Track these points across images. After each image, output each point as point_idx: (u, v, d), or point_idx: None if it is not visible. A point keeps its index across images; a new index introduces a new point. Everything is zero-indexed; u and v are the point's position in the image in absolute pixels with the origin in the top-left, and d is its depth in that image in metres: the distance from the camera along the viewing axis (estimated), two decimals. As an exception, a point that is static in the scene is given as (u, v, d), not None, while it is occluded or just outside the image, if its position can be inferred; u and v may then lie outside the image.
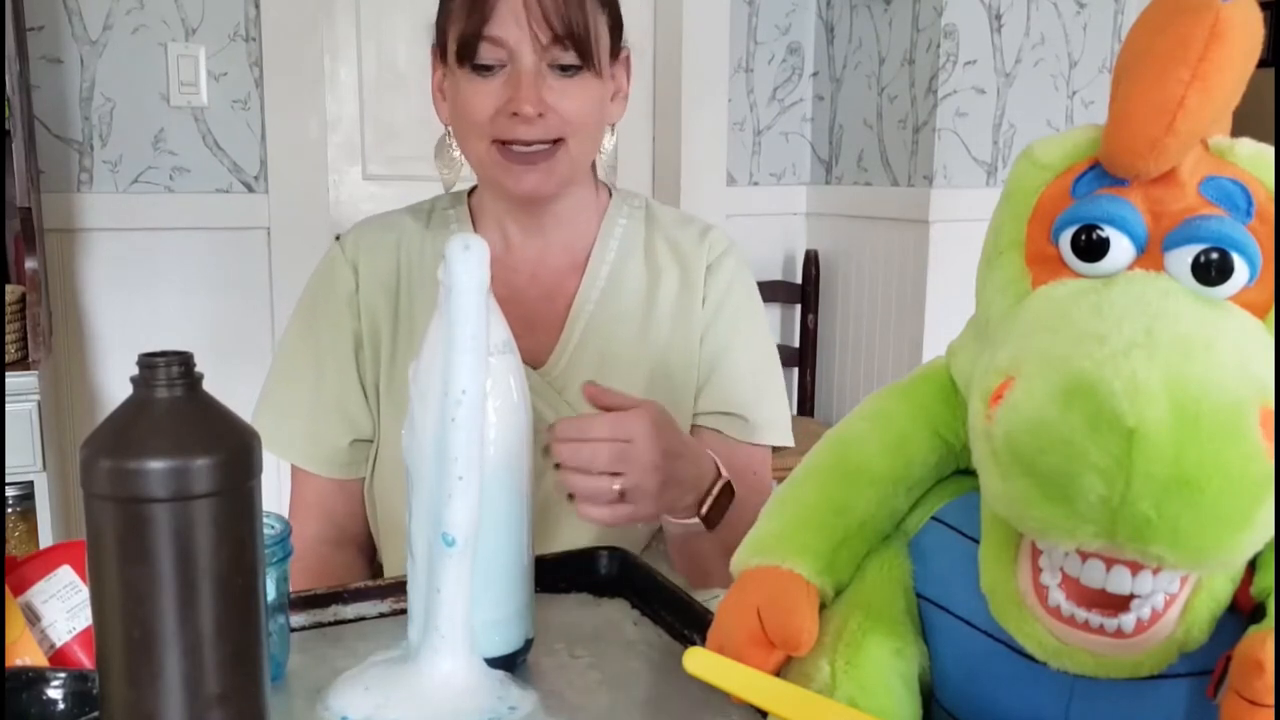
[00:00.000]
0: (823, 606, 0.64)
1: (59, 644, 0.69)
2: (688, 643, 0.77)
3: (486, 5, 0.98)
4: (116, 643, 0.49)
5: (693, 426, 1.11)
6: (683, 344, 1.11)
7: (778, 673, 0.61)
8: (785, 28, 2.76)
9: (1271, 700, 0.49)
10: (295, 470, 1.11)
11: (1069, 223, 0.56)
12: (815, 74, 2.81)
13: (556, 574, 0.86)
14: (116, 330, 2.29)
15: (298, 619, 0.79)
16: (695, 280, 1.12)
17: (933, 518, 0.66)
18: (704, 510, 0.94)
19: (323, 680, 0.70)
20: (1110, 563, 0.52)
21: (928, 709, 0.64)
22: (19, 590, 0.69)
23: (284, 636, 0.72)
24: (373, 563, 1.16)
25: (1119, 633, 0.53)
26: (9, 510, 1.84)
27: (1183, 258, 0.53)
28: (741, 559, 0.66)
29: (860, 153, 2.66)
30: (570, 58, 0.99)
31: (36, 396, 1.83)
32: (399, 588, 0.81)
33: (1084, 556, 0.52)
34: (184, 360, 0.50)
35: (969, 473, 0.64)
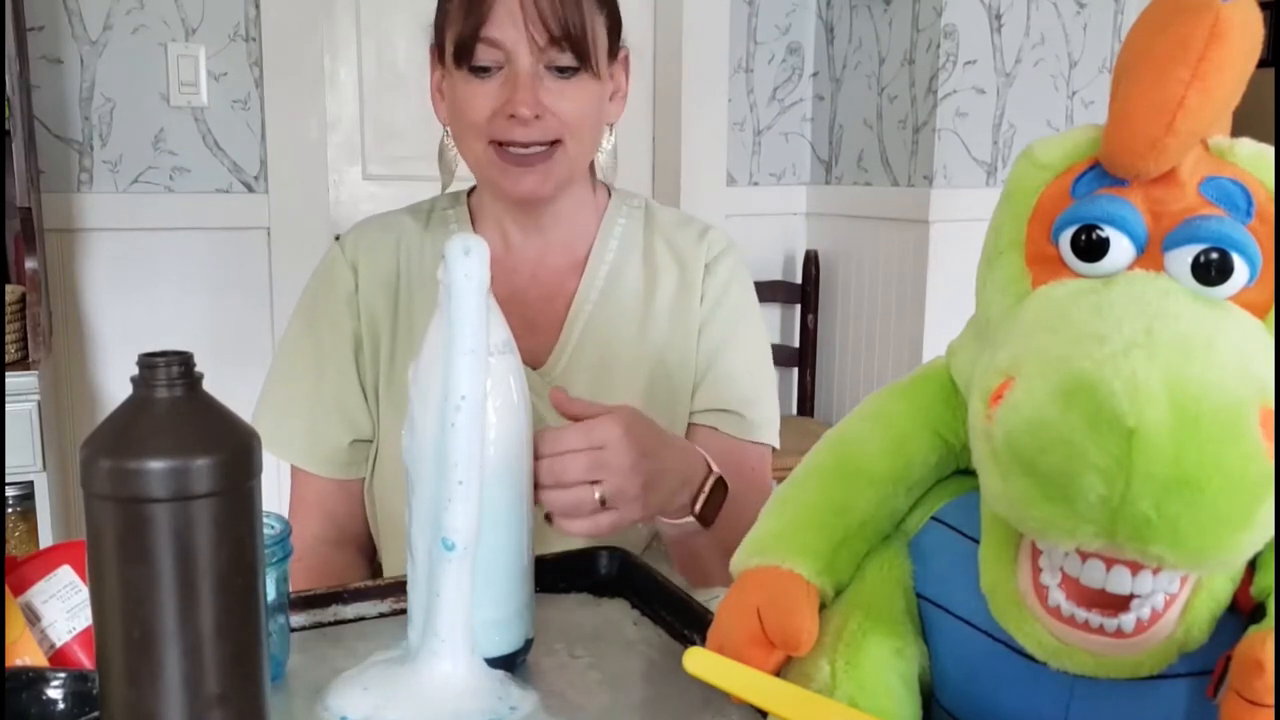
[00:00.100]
0: (823, 606, 0.64)
1: (59, 644, 0.69)
2: (688, 643, 0.77)
3: (483, 7, 0.98)
4: (116, 643, 0.49)
5: (690, 425, 1.11)
6: (681, 343, 1.11)
7: (778, 673, 0.61)
8: (785, 28, 2.76)
9: (1271, 700, 0.49)
10: (295, 470, 1.11)
11: (1069, 223, 0.56)
12: (815, 74, 2.81)
13: (556, 574, 0.86)
14: (116, 330, 2.29)
15: (298, 619, 0.79)
16: (693, 280, 1.12)
17: (933, 518, 0.66)
18: (698, 508, 0.93)
19: (323, 680, 0.70)
20: (1110, 563, 0.52)
21: (928, 709, 0.64)
22: (19, 590, 0.69)
23: (284, 636, 0.72)
24: (372, 562, 1.16)
25: (1119, 633, 0.53)
26: (9, 510, 1.84)
27: (1183, 258, 0.53)
28: (741, 559, 0.66)
29: (860, 153, 2.67)
30: (567, 59, 0.99)
31: (36, 396, 1.83)
32: (399, 588, 0.81)
33: (1084, 556, 0.52)
34: (184, 360, 0.50)
35: (969, 473, 0.64)
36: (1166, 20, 0.53)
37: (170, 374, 0.49)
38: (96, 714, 0.52)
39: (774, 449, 1.14)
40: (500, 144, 1.01)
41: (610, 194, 1.16)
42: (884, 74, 2.57)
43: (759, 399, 1.12)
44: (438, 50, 1.06)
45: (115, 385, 2.28)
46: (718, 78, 2.69)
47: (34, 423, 1.83)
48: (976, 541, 0.60)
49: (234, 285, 2.35)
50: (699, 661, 0.60)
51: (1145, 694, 0.56)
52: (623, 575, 0.88)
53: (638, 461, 0.84)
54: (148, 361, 0.49)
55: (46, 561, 0.71)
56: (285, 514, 0.94)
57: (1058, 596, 0.54)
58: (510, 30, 0.98)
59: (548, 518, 0.83)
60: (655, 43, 2.71)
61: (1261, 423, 0.47)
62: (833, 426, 0.70)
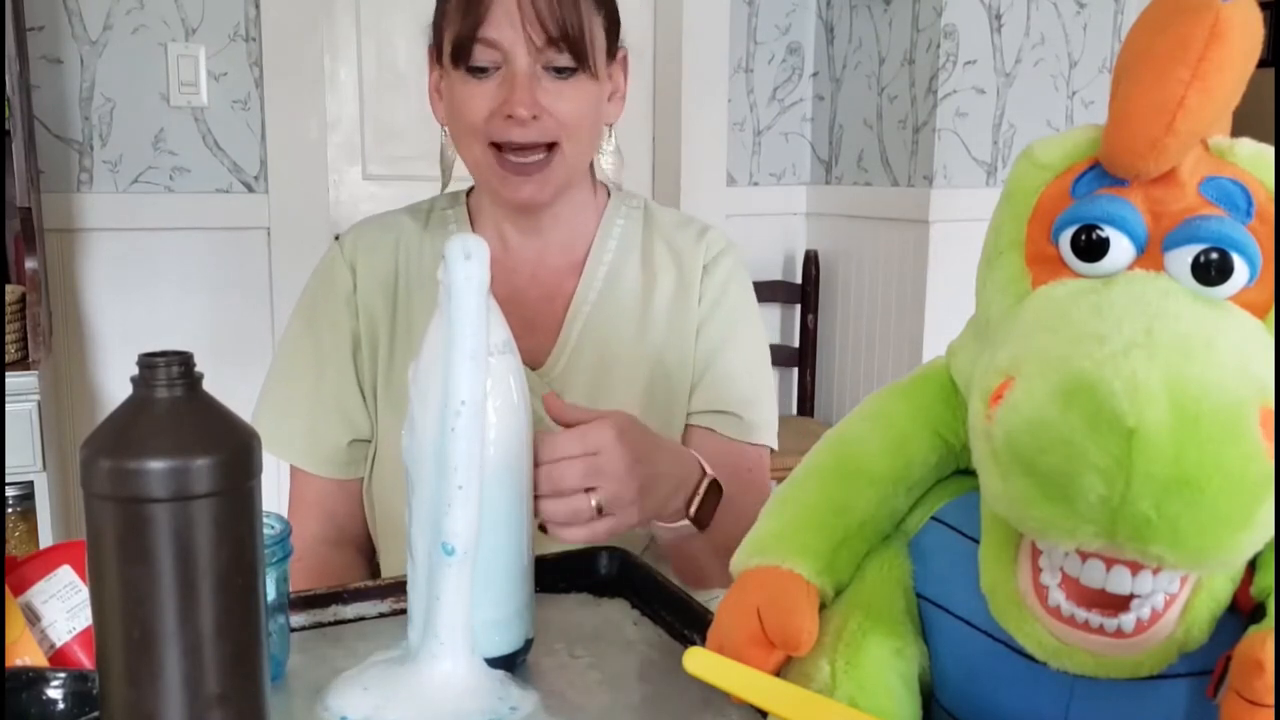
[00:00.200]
0: (823, 606, 0.64)
1: (59, 644, 0.69)
2: (688, 643, 0.77)
3: (481, 7, 0.98)
4: (116, 643, 0.49)
5: (687, 426, 1.11)
6: (679, 344, 1.11)
7: (778, 673, 0.61)
8: (785, 28, 2.76)
9: (1271, 700, 0.49)
10: (294, 470, 1.11)
11: (1069, 223, 0.56)
12: (815, 74, 2.81)
13: (556, 574, 0.86)
14: (116, 330, 2.29)
15: (298, 619, 0.79)
16: (692, 280, 1.12)
17: (933, 518, 0.66)
18: (692, 511, 0.93)
19: (323, 680, 0.70)
20: (1110, 563, 0.52)
21: (928, 709, 0.64)
22: (19, 590, 0.69)
23: (284, 636, 0.72)
24: (371, 562, 1.16)
25: (1119, 633, 0.53)
26: (9, 510, 1.84)
27: (1183, 258, 0.53)
28: (741, 559, 0.66)
29: (860, 153, 2.66)
30: (565, 60, 0.99)
31: (36, 396, 1.83)
32: (399, 588, 0.81)
33: (1084, 556, 0.52)
34: (184, 360, 0.50)
35: (969, 473, 0.64)
36: (1166, 20, 0.53)
37: (170, 374, 0.49)
38: (96, 714, 0.52)
39: (772, 450, 1.14)
40: (498, 147, 1.01)
41: (609, 194, 1.16)
42: (884, 74, 2.57)
43: (757, 400, 1.12)
44: (436, 51, 1.06)
45: (115, 385, 2.28)
46: (718, 78, 2.69)
47: (34, 423, 1.83)
48: (976, 541, 0.60)
49: (234, 285, 2.35)
50: (699, 661, 0.60)
51: (1145, 694, 0.56)
52: (623, 575, 0.88)
53: (632, 466, 0.84)
54: (148, 361, 0.49)
55: (46, 561, 0.71)
56: (285, 514, 0.94)
57: (1058, 596, 0.54)
58: (508, 30, 0.98)
59: (542, 527, 0.83)
60: (655, 43, 2.71)
61: (1261, 423, 0.47)
62: (833, 426, 0.70)
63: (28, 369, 1.85)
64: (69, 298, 2.25)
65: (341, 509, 1.11)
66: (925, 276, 2.46)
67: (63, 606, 0.70)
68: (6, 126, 1.86)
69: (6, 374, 1.79)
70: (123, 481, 0.48)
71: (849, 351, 2.74)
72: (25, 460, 1.83)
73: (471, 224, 1.13)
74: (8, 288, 1.88)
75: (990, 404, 0.51)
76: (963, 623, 0.62)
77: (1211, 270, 0.52)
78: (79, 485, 0.49)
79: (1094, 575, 0.52)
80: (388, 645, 0.74)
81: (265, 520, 0.65)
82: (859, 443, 0.67)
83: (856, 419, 0.69)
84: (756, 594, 0.63)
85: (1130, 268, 0.54)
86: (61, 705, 0.61)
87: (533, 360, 1.07)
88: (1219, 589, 0.54)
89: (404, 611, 0.75)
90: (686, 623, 0.79)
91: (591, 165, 1.12)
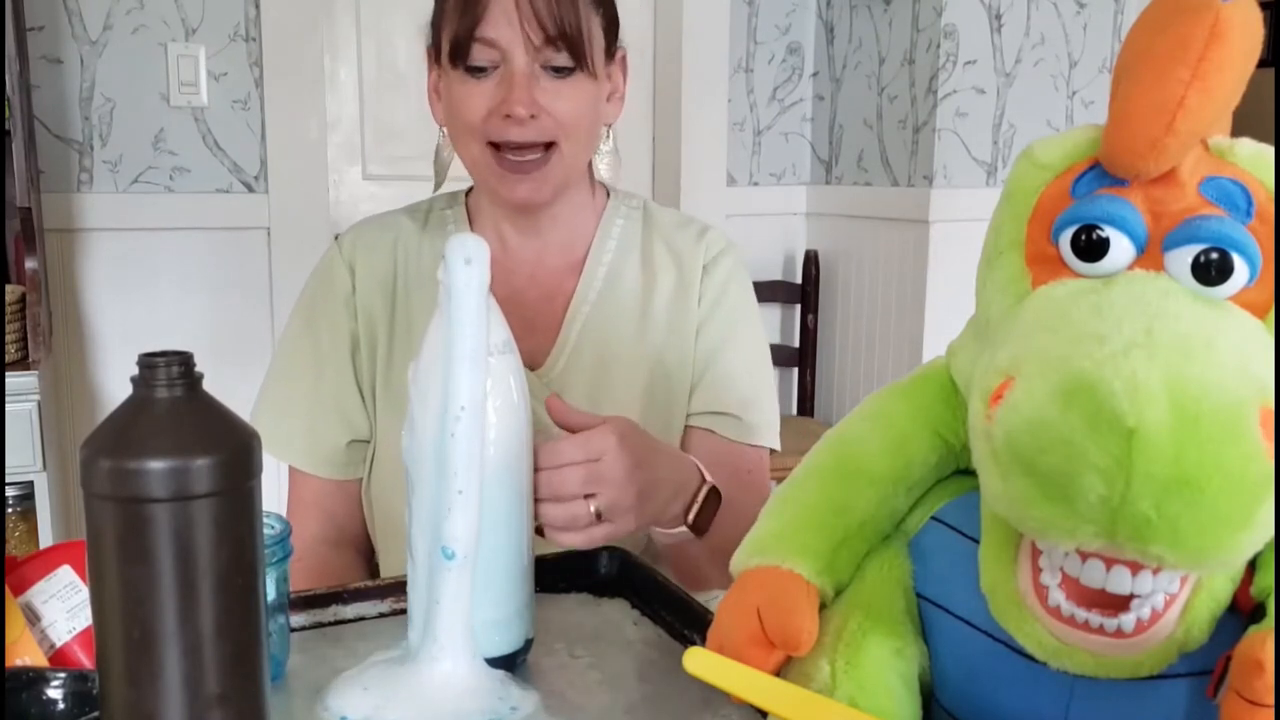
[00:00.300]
0: (823, 606, 0.64)
1: (59, 644, 0.69)
2: (688, 643, 0.77)
3: (479, 6, 0.98)
4: (116, 643, 0.49)
5: (687, 427, 1.11)
6: (679, 344, 1.11)
7: (778, 673, 0.61)
8: (785, 28, 2.76)
9: (1271, 700, 0.49)
10: (293, 470, 1.11)
11: (1069, 223, 0.55)
12: (815, 74, 2.81)
13: (556, 574, 0.86)
14: (116, 330, 2.29)
15: (298, 619, 0.79)
16: (691, 280, 1.12)
17: (933, 518, 0.66)
18: (691, 518, 0.93)
19: (323, 680, 0.70)
20: (1110, 563, 0.52)
21: (928, 709, 0.64)
22: (19, 590, 0.69)
23: (284, 636, 0.72)
24: (371, 563, 1.16)
25: (1119, 633, 0.53)
26: (9, 510, 1.84)
27: (1183, 258, 0.53)
28: (741, 559, 0.66)
29: (860, 153, 2.66)
30: (563, 59, 0.99)
31: (36, 396, 1.83)
32: (399, 588, 0.81)
33: (1084, 556, 0.52)
34: (184, 360, 0.50)
35: (969, 473, 0.64)
36: (1166, 20, 0.53)
37: (170, 374, 0.49)
38: (96, 714, 0.52)
39: (773, 451, 1.14)
40: (497, 147, 1.00)
41: (609, 195, 1.16)
42: (884, 74, 2.57)
43: (757, 401, 1.12)
44: (434, 50, 1.06)
45: (115, 385, 2.28)
46: (718, 78, 2.68)
47: (34, 423, 1.83)
48: (976, 541, 0.60)
49: (234, 285, 2.35)
50: (699, 661, 0.60)
51: (1145, 694, 0.56)
52: (623, 575, 0.88)
53: (632, 472, 0.84)
54: (148, 361, 0.49)
55: (46, 561, 0.71)
56: (285, 514, 0.94)
57: (1058, 596, 0.54)
58: (506, 30, 0.98)
59: (539, 531, 0.82)
60: (655, 43, 2.71)
61: (1261, 423, 0.47)
62: (833, 426, 0.70)
63: (28, 369, 1.85)
64: (69, 298, 2.25)
65: (341, 509, 1.11)
66: (925, 276, 2.46)
67: (63, 606, 0.70)
68: (6, 126, 1.86)
69: (6, 374, 1.79)
70: (123, 481, 0.48)
71: (849, 351, 2.74)
72: (25, 460, 1.83)
73: (470, 224, 1.13)
74: (8, 288, 1.88)
75: (990, 404, 0.51)
76: (963, 623, 0.62)
77: (1211, 270, 0.52)
78: (79, 485, 0.49)
79: (1094, 575, 0.52)
80: (388, 645, 0.74)
81: (265, 520, 0.65)
82: (859, 443, 0.67)
83: (856, 419, 0.69)
84: (756, 594, 0.63)
85: (1130, 268, 0.54)
86: (61, 705, 0.61)
87: (532, 361, 1.07)
88: (1219, 589, 0.54)
89: (404, 612, 0.75)
90: (686, 623, 0.79)
91: (591, 165, 1.12)
